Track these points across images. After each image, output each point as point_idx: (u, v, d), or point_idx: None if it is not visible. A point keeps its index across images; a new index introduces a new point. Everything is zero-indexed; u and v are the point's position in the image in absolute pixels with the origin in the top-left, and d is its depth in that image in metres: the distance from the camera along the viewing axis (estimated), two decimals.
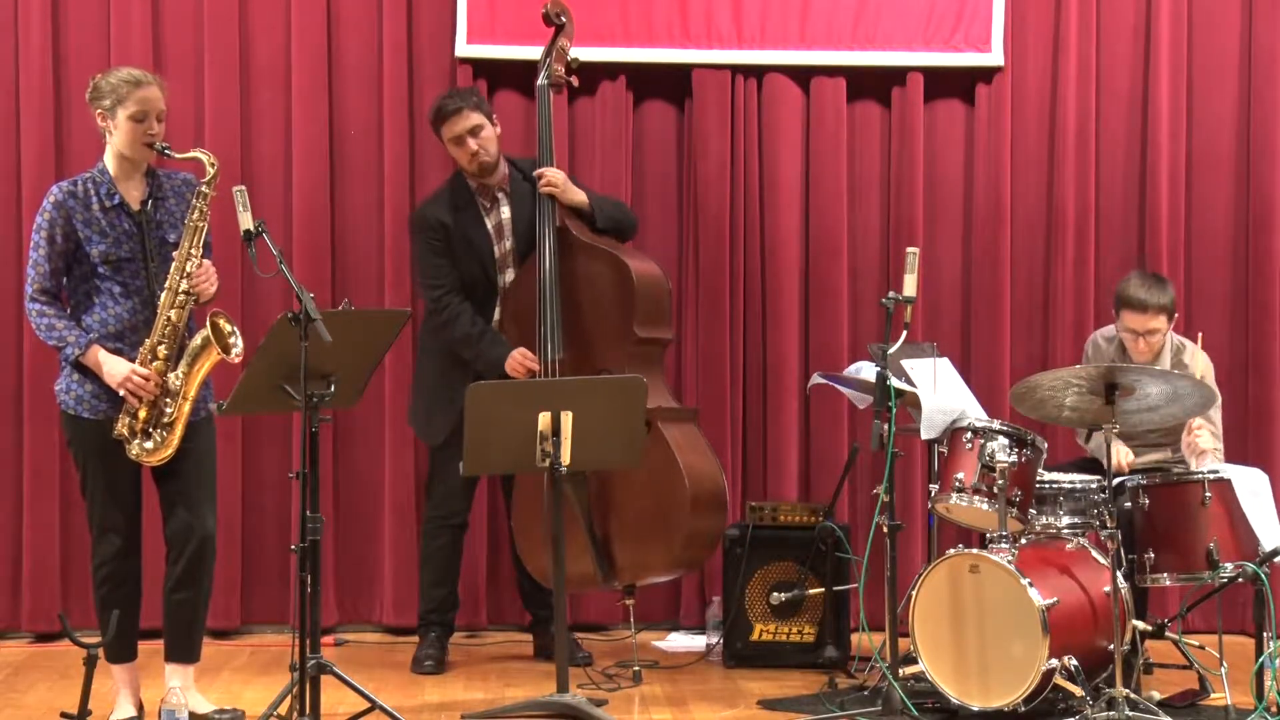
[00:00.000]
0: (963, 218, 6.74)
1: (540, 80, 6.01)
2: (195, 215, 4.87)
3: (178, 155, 4.85)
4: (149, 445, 4.85)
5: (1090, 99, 6.67)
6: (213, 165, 4.87)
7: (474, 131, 5.85)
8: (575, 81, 6.10)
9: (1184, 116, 6.69)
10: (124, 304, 4.86)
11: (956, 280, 6.74)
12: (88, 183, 4.89)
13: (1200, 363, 5.77)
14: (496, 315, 5.94)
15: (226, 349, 4.78)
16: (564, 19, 6.03)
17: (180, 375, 4.84)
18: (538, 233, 5.87)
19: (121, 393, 4.80)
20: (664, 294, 5.98)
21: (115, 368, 4.80)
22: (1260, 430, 6.63)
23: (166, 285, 4.84)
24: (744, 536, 5.93)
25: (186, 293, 4.83)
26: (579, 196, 5.94)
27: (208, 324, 4.77)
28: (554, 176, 5.90)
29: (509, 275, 5.95)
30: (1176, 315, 5.84)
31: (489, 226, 5.95)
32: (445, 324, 5.89)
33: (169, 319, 4.83)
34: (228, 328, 4.80)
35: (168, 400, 4.83)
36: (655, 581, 6.05)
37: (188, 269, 4.83)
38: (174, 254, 4.85)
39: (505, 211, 5.97)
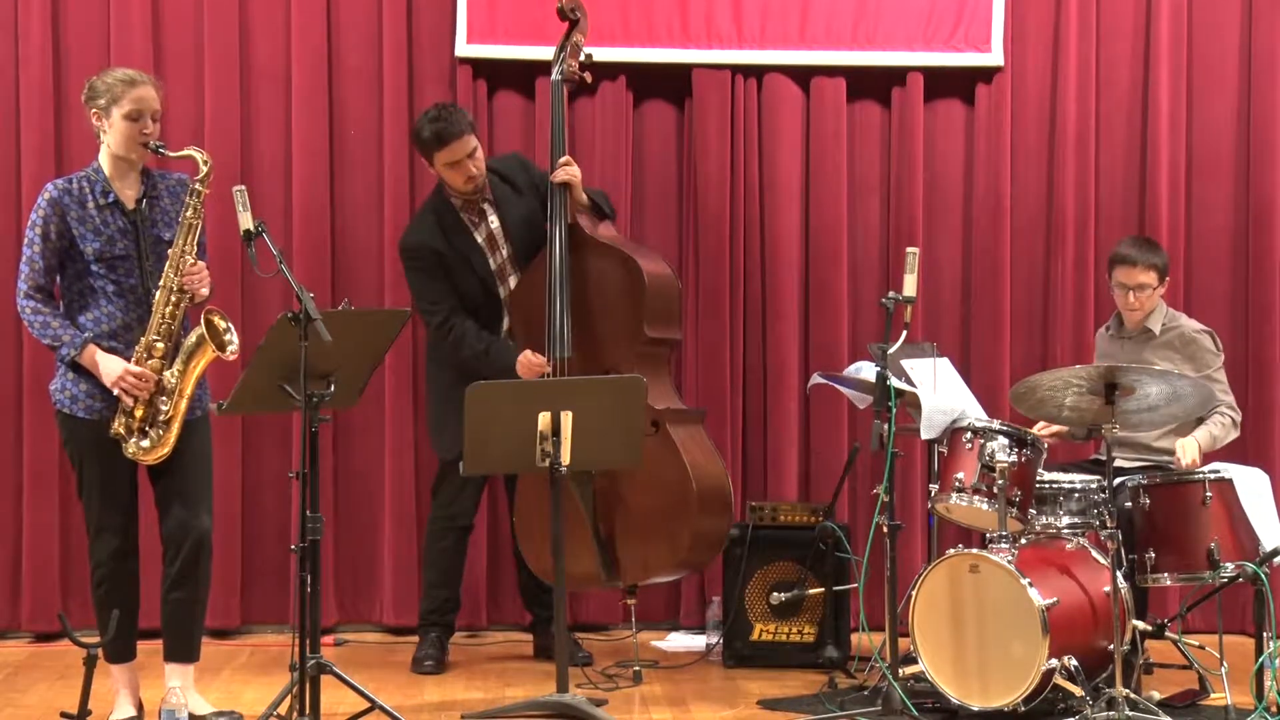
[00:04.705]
0: (963, 218, 6.74)
1: (554, 75, 5.95)
2: (189, 213, 4.85)
3: (172, 154, 4.84)
4: (145, 444, 4.84)
5: (1090, 99, 6.67)
6: (206, 163, 4.86)
7: (472, 154, 5.78)
8: (589, 78, 6.05)
9: (1184, 116, 6.69)
10: (118, 303, 4.86)
11: (956, 280, 6.74)
12: (82, 181, 4.88)
13: (1191, 325, 5.78)
14: (506, 324, 5.91)
15: (222, 346, 4.77)
16: (578, 14, 5.96)
17: (176, 373, 4.83)
18: (549, 229, 5.82)
19: (116, 391, 4.80)
20: (674, 294, 5.95)
21: (110, 366, 4.79)
22: (1260, 430, 6.62)
23: (162, 283, 4.83)
24: (744, 536, 5.93)
25: (182, 290, 4.83)
26: (585, 197, 5.90)
27: (203, 321, 4.76)
28: (573, 169, 5.83)
29: (511, 283, 5.91)
30: (1169, 279, 5.83)
31: (480, 241, 5.89)
32: (452, 346, 5.82)
33: (164, 316, 4.82)
34: (223, 325, 4.79)
35: (164, 398, 4.83)
36: (659, 581, 6.04)
37: (181, 267, 4.83)
38: (169, 252, 4.85)
39: (494, 221, 5.90)
